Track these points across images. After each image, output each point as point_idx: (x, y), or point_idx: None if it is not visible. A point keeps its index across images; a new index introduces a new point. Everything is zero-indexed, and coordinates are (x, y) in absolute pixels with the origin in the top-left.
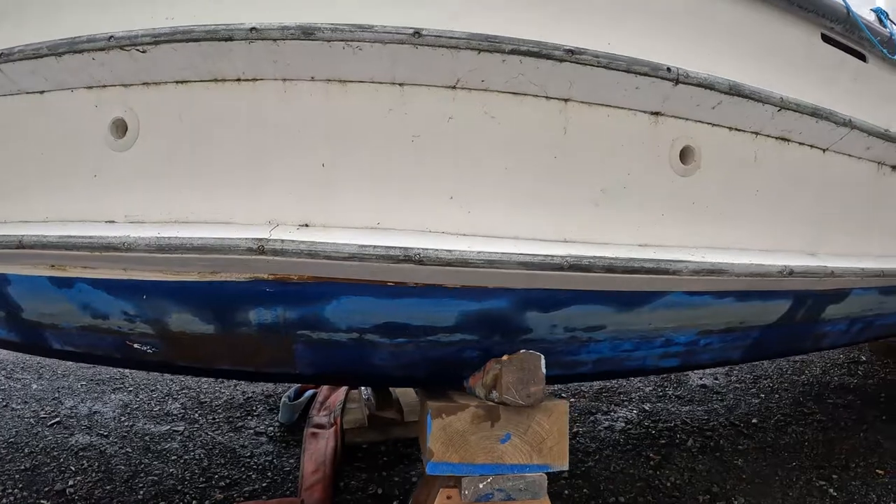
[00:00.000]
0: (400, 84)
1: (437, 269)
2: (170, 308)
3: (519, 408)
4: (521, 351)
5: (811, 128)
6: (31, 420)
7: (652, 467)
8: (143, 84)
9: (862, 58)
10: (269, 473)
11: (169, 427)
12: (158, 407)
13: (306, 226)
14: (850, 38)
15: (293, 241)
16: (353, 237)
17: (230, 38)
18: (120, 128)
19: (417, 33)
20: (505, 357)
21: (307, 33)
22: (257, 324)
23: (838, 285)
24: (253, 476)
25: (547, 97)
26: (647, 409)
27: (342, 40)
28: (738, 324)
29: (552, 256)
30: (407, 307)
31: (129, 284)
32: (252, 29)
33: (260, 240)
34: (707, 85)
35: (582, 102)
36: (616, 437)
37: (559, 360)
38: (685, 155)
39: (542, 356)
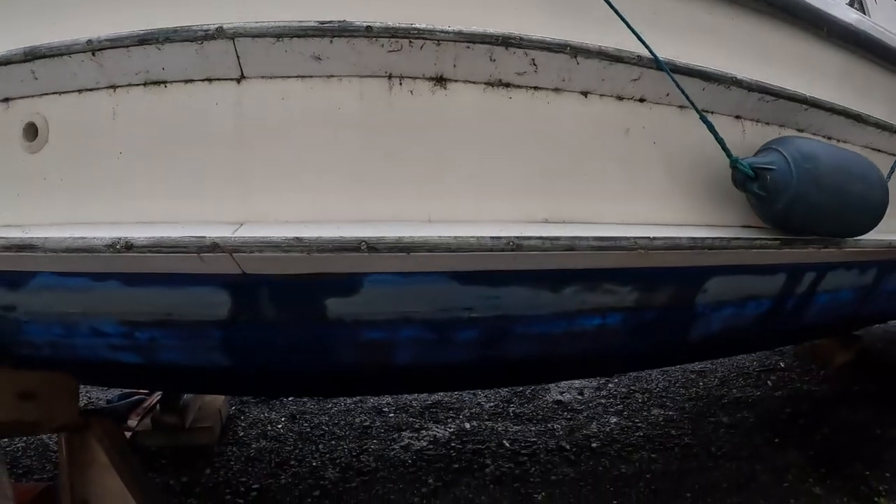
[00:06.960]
0: None
1: None
2: None
3: None
4: None
5: None
6: None
7: (421, 496)
8: None
9: None
10: None
11: None
12: None
13: None
14: None
15: None
16: None
17: None
18: None
19: None
20: None
21: None
22: None
23: None
24: (48, 467)
25: None
26: (469, 427)
27: None
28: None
29: None
30: None
31: None
32: None
33: None
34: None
35: None
36: (405, 457)
37: None
38: (30, 131)
39: None
